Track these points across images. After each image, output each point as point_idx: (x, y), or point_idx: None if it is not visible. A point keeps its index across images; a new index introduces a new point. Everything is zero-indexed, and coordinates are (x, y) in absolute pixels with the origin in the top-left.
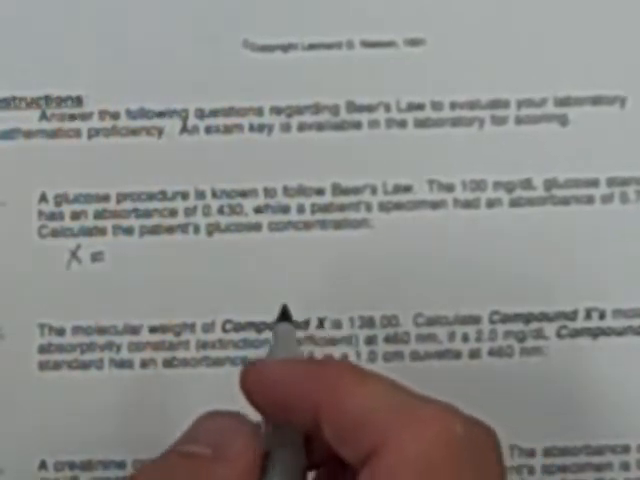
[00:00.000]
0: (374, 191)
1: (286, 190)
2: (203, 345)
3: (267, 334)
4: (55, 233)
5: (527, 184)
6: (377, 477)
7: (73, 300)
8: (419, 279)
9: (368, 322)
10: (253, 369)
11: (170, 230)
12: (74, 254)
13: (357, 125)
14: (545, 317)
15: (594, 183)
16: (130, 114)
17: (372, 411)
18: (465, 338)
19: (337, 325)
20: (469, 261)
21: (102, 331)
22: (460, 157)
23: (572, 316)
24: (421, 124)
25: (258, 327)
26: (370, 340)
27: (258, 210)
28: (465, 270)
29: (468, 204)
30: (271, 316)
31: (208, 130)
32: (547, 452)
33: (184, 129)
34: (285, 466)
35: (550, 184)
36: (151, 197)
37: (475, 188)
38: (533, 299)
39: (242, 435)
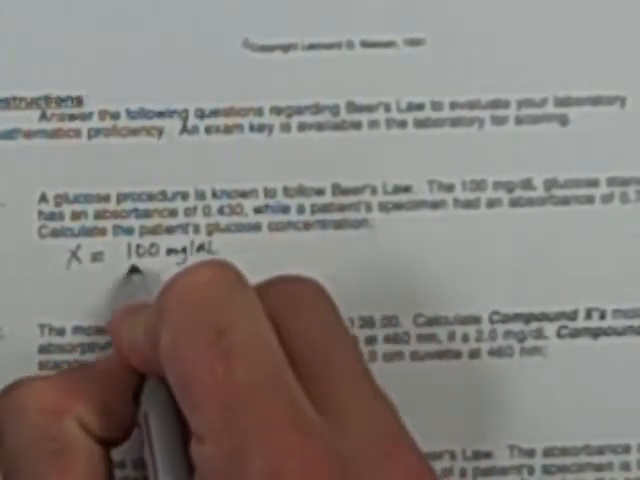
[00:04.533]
0: (374, 191)
1: (286, 190)
2: None
3: None
4: (55, 233)
5: (527, 184)
6: None
7: (73, 300)
8: (419, 279)
9: (368, 322)
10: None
11: (170, 230)
12: (74, 254)
13: (357, 125)
14: (545, 317)
15: (594, 183)
16: (130, 114)
17: None
18: (465, 338)
19: None
20: (469, 261)
21: (102, 331)
22: (460, 157)
23: (572, 316)
24: (421, 124)
25: None
26: (370, 340)
27: (258, 210)
28: (465, 270)
29: (468, 204)
30: None
31: (208, 130)
32: (547, 452)
33: (184, 129)
34: (160, 426)
35: (550, 184)
36: (151, 197)
37: (475, 188)
38: (533, 299)
39: None
